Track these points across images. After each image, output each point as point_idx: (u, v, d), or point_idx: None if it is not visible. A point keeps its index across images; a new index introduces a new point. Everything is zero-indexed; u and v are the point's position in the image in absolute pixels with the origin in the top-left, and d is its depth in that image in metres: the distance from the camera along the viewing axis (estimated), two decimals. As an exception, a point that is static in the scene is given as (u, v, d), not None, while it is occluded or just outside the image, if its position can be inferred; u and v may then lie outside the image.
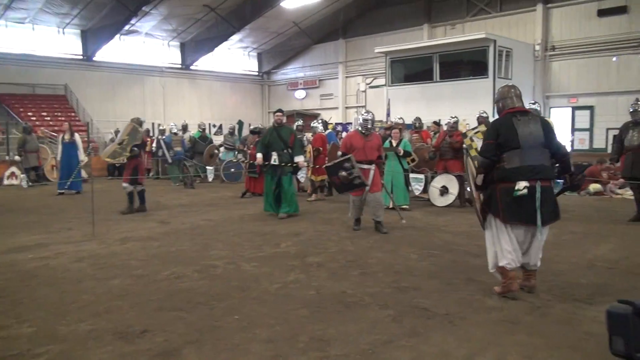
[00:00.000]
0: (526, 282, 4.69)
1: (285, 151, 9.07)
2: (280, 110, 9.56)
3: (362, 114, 7.96)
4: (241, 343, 3.64)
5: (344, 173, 7.46)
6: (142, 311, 4.31)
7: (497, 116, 4.98)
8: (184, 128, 16.29)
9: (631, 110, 8.43)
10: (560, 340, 3.63)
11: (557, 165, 4.79)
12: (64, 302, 4.58)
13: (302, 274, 5.41)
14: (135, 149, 9.55)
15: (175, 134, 15.96)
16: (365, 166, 7.60)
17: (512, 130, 4.48)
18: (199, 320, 4.09)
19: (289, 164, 9.06)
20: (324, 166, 8.81)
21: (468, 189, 4.48)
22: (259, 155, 9.16)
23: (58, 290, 4.95)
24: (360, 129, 7.81)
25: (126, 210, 9.68)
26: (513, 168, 4.44)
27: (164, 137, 15.81)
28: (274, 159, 9.01)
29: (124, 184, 9.78)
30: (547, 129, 4.63)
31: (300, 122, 13.38)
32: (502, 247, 4.54)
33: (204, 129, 16.30)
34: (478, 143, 9.58)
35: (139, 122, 10.04)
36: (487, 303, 4.41)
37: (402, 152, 9.80)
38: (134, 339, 3.74)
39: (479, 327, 3.87)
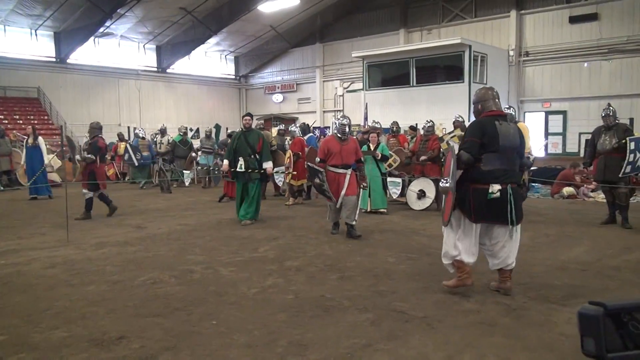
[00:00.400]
0: (502, 284, 4.77)
1: (252, 157, 8.76)
2: (248, 114, 9.22)
3: (339, 119, 7.89)
4: (219, 348, 3.61)
5: (317, 180, 7.63)
6: (118, 317, 4.25)
7: (474, 119, 5.05)
8: (162, 132, 16.12)
9: (603, 114, 8.59)
10: (536, 341, 3.68)
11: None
12: (37, 309, 4.48)
13: (281, 278, 5.40)
14: (90, 156, 9.36)
15: (143, 138, 16.22)
16: (341, 170, 7.56)
17: (495, 133, 4.58)
18: (176, 326, 4.04)
19: (257, 170, 8.77)
20: (307, 164, 8.71)
21: (442, 183, 4.53)
22: (225, 162, 8.94)
23: (31, 296, 4.85)
24: (337, 133, 7.75)
25: (81, 217, 9.38)
26: (488, 170, 4.56)
27: (130, 141, 15.96)
28: (240, 164, 8.71)
29: (84, 190, 9.57)
30: (521, 135, 4.80)
31: (282, 127, 13.36)
32: (467, 244, 4.66)
33: (185, 133, 16.07)
34: (455, 147, 9.68)
35: (99, 127, 9.94)
36: (465, 306, 4.45)
37: (379, 155, 9.85)
38: (110, 345, 3.69)
39: (457, 330, 3.91)
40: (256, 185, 8.84)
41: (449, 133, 10.20)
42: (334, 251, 6.68)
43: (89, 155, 9.39)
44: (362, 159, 8.99)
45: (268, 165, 8.86)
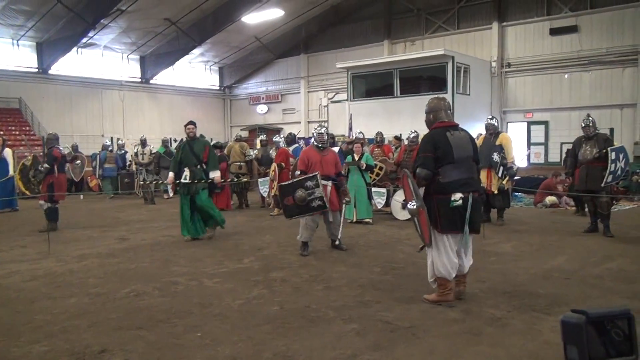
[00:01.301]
0: (457, 286, 4.87)
1: (198, 167, 8.32)
2: (191, 122, 8.57)
3: (316, 128, 7.65)
4: (204, 361, 3.58)
5: (301, 193, 6.83)
6: (100, 330, 4.18)
7: None
8: (143, 142, 16.01)
9: (583, 125, 8.72)
10: (521, 350, 3.70)
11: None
12: (18, 322, 4.41)
13: (266, 289, 5.37)
14: (46, 165, 9.23)
15: (111, 150, 16.60)
16: (324, 182, 7.11)
17: (448, 145, 4.68)
18: (159, 338, 4.00)
19: (203, 181, 8.30)
20: (279, 185, 7.91)
21: (409, 205, 4.70)
22: (170, 174, 8.47)
23: (11, 310, 4.76)
24: (315, 143, 7.50)
25: (44, 229, 9.09)
26: (448, 182, 4.65)
27: (99, 152, 16.58)
28: (185, 175, 8.24)
29: (40, 202, 9.42)
30: (474, 143, 4.93)
31: (263, 137, 13.32)
32: (446, 259, 4.70)
33: (167, 145, 16.02)
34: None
35: (55, 137, 9.88)
36: (450, 315, 4.46)
37: (364, 165, 9.88)
38: (92, 359, 3.63)
39: (442, 339, 3.91)
40: (204, 195, 8.33)
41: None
42: (319, 262, 6.66)
43: (45, 165, 9.29)
44: (346, 171, 8.89)
45: (215, 174, 8.38)
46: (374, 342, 3.86)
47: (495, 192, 9.29)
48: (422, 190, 4.74)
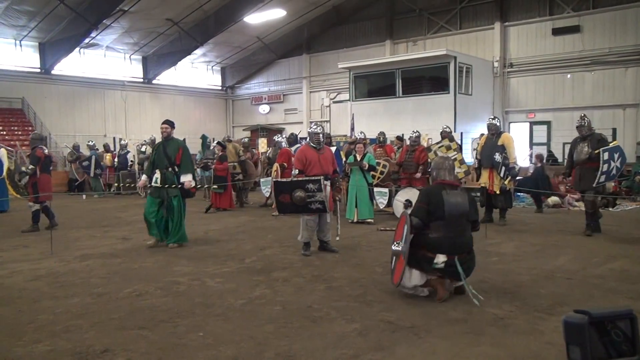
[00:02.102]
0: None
1: (170, 169, 7.74)
2: (167, 122, 7.98)
3: (312, 128, 7.43)
4: (206, 361, 3.58)
5: (301, 194, 6.74)
6: (103, 330, 4.19)
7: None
8: (153, 142, 16.06)
9: (577, 125, 8.77)
10: (523, 350, 3.69)
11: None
12: (20, 322, 4.42)
13: (268, 289, 5.37)
14: (30, 166, 9.22)
15: (97, 149, 17.03)
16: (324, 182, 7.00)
17: (440, 202, 4.90)
18: (161, 338, 4.00)
19: (174, 186, 7.69)
20: (274, 180, 7.82)
21: (394, 246, 5.09)
22: (143, 177, 8.07)
23: (14, 310, 4.77)
24: (311, 143, 7.32)
25: (28, 229, 9.24)
26: (435, 238, 4.88)
27: (89, 153, 16.89)
28: (156, 178, 7.69)
29: (29, 203, 9.44)
30: (472, 202, 5.12)
31: (246, 139, 13.31)
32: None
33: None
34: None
35: (39, 137, 9.89)
36: (452, 315, 4.46)
37: (367, 166, 9.87)
38: (94, 359, 3.64)
39: (444, 340, 3.91)
40: (178, 203, 7.74)
41: (437, 143, 10.27)
42: (321, 262, 6.66)
43: (31, 167, 9.27)
44: (349, 171, 8.87)
45: (187, 178, 7.71)
46: (375, 342, 3.86)
47: (497, 192, 9.28)
48: (410, 237, 4.93)
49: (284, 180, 7.17)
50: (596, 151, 8.20)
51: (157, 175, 7.71)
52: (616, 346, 1.50)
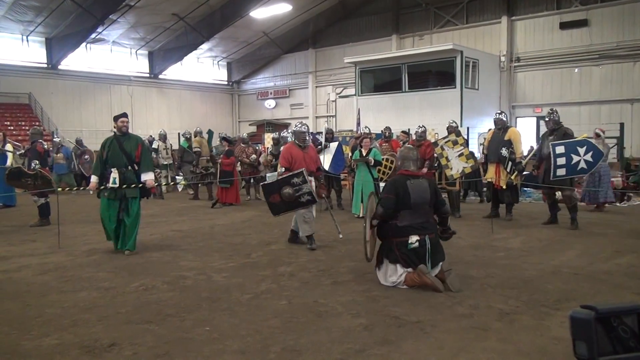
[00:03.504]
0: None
1: (129, 168, 6.96)
2: (124, 115, 7.26)
3: (297, 126, 7.49)
4: (212, 355, 3.59)
5: (289, 190, 6.76)
6: (110, 324, 4.21)
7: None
8: (163, 137, 16.06)
9: (546, 119, 8.82)
10: (530, 346, 3.69)
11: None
12: (28, 316, 4.45)
13: (274, 284, 5.38)
14: (35, 166, 9.21)
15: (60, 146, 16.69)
16: (308, 178, 7.00)
17: (406, 193, 5.15)
18: (168, 332, 4.02)
19: (133, 185, 6.95)
20: (261, 184, 7.64)
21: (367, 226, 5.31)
22: (93, 179, 7.03)
23: (22, 304, 4.80)
24: (297, 141, 7.36)
25: (36, 224, 9.28)
26: (405, 225, 5.14)
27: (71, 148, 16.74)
28: (114, 178, 6.81)
29: (34, 198, 9.47)
30: (434, 190, 5.35)
31: (245, 135, 13.26)
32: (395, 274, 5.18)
33: (189, 138, 15.48)
34: (448, 152, 9.75)
35: (38, 132, 9.92)
36: (458, 310, 4.46)
37: (372, 161, 9.85)
38: (102, 353, 3.66)
39: (450, 334, 3.91)
40: (137, 206, 7.05)
41: (444, 138, 10.21)
42: (327, 256, 6.67)
43: (35, 161, 9.26)
44: (355, 166, 8.86)
45: (148, 177, 7.08)
46: (382, 337, 3.87)
47: (504, 187, 9.25)
48: (375, 222, 5.33)
49: (270, 181, 7.09)
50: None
51: (115, 175, 6.84)
52: (623, 342, 1.50)
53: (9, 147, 12.71)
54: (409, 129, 14.13)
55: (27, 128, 21.16)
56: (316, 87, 27.51)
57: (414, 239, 5.06)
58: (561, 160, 8.14)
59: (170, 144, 16.05)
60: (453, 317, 4.30)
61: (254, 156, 13.31)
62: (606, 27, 18.34)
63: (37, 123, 22.56)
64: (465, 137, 12.61)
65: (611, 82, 18.36)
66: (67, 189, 14.86)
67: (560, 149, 8.15)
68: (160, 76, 27.74)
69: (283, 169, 7.12)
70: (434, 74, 19.40)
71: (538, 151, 9.11)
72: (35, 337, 3.97)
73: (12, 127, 21.75)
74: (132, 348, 3.72)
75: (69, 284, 5.47)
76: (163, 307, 4.62)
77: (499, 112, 9.93)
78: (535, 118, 20.04)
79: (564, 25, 19.15)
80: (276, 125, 26.08)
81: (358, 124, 17.11)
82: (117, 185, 6.82)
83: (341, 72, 25.13)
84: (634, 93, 17.89)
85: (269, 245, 7.44)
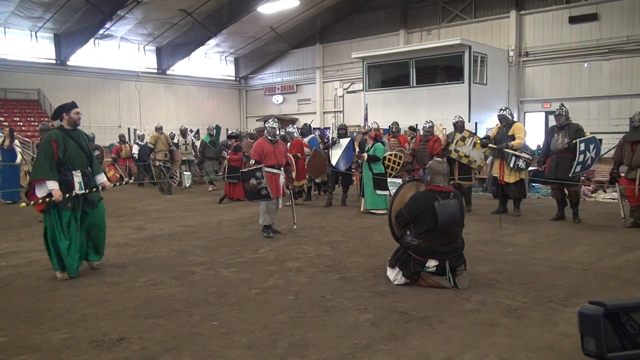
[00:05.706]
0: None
1: (89, 169, 5.83)
2: (74, 104, 5.78)
3: (269, 123, 8.14)
4: (220, 349, 3.62)
5: (254, 181, 7.54)
6: (119, 319, 4.25)
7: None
8: (184, 132, 16.16)
9: (555, 114, 8.89)
10: (537, 341, 3.68)
11: None
12: (38, 310, 4.49)
13: (281, 279, 5.40)
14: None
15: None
16: (276, 171, 7.88)
17: (432, 213, 4.87)
18: (176, 327, 4.05)
19: (95, 189, 5.81)
20: (241, 171, 8.43)
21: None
22: (55, 186, 5.39)
23: (32, 298, 4.85)
24: (268, 137, 7.97)
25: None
26: (428, 248, 4.92)
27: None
28: (79, 183, 5.58)
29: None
30: (462, 209, 5.11)
31: (253, 130, 13.30)
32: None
33: (212, 133, 15.35)
34: (464, 149, 9.72)
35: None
36: (465, 306, 4.45)
37: (366, 157, 9.91)
38: (111, 347, 3.69)
39: (457, 330, 3.91)
40: (102, 206, 5.98)
41: (450, 142, 10.06)
42: (334, 252, 6.68)
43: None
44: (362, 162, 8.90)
45: (104, 178, 6.05)
46: (389, 332, 3.87)
47: (510, 182, 9.21)
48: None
49: (246, 170, 7.88)
50: (574, 141, 8.36)
51: (79, 179, 5.61)
52: (631, 338, 1.49)
53: (16, 144, 12.82)
54: (416, 124, 14.09)
55: (36, 124, 21.29)
56: (323, 82, 27.46)
57: (432, 263, 4.90)
58: (581, 157, 8.29)
59: (192, 140, 16.12)
60: (461, 312, 4.29)
61: None
62: (616, 21, 18.16)
63: (46, 119, 22.70)
64: (473, 131, 12.54)
65: (621, 77, 18.19)
66: None
67: (582, 146, 8.29)
68: (168, 72, 27.80)
69: (253, 162, 7.76)
70: (442, 69, 19.30)
71: (545, 146, 9.05)
72: (45, 331, 4.00)
73: (21, 123, 21.89)
74: (141, 342, 3.74)
75: (77, 278, 5.51)
76: (171, 302, 4.65)
77: (503, 108, 9.87)
78: (544, 113, 19.89)
79: (573, 20, 18.98)
80: (284, 121, 26.06)
81: (365, 119, 17.10)
82: (83, 191, 5.62)
83: (349, 68, 25.07)
84: (644, 88, 17.74)
85: (277, 241, 7.46)
